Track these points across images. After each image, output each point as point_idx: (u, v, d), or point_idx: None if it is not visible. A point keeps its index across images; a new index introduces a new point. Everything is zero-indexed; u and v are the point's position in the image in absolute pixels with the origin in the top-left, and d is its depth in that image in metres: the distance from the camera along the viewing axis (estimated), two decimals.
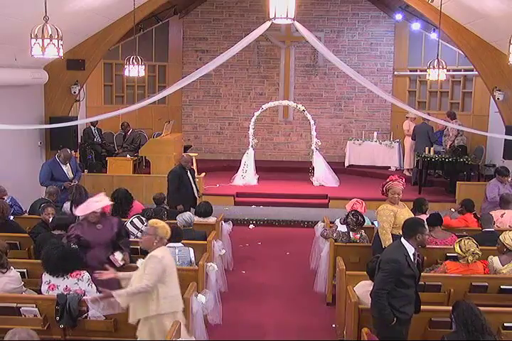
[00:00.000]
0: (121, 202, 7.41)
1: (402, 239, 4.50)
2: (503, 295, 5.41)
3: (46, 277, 4.92)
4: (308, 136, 13.58)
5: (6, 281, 4.89)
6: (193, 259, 5.92)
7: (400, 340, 4.44)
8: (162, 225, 4.63)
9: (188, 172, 8.45)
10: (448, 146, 11.87)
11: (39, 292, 5.05)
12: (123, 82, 14.01)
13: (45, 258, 4.89)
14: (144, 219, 6.65)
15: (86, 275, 4.95)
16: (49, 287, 4.89)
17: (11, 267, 5.00)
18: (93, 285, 4.99)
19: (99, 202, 5.37)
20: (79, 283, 4.87)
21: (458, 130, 11.74)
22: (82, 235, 5.35)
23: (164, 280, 4.45)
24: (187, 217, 6.69)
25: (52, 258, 4.84)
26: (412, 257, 4.43)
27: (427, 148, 11.51)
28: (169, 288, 4.49)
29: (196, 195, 8.49)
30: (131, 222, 6.67)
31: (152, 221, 4.75)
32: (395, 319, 4.34)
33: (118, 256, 5.42)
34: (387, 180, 6.17)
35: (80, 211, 5.45)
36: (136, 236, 6.43)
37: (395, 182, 6.10)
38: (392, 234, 5.83)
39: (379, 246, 5.84)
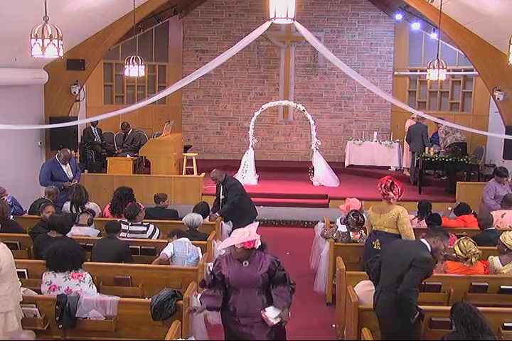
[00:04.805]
0: (116, 201, 7.45)
1: (423, 240, 4.55)
2: (503, 295, 5.41)
3: (47, 277, 4.91)
4: (308, 136, 13.58)
5: None
6: (201, 256, 6.01)
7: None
8: None
9: (221, 187, 8.14)
10: (441, 146, 11.91)
11: (39, 292, 5.05)
12: (123, 82, 14.00)
13: (52, 252, 4.87)
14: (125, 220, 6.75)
15: (88, 276, 4.95)
16: (50, 287, 4.88)
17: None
18: (94, 286, 4.99)
19: (244, 234, 4.38)
20: (80, 285, 4.86)
21: (446, 130, 11.80)
22: (225, 273, 4.43)
23: None
24: (191, 219, 6.69)
25: (58, 252, 4.82)
26: None
27: (427, 148, 11.53)
28: (1, 288, 4.36)
29: (219, 208, 8.09)
30: None
31: None
32: (418, 314, 4.34)
33: (270, 313, 4.31)
34: (397, 183, 6.04)
35: (222, 244, 4.57)
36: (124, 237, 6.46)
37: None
38: (390, 232, 5.91)
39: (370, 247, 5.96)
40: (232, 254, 4.40)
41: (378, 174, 12.84)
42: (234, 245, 4.33)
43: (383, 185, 6.00)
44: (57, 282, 4.87)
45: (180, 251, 5.91)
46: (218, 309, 4.50)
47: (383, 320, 4.56)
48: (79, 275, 4.88)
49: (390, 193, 5.95)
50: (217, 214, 7.92)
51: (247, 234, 4.33)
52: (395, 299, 4.39)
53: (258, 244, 4.37)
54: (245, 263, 4.38)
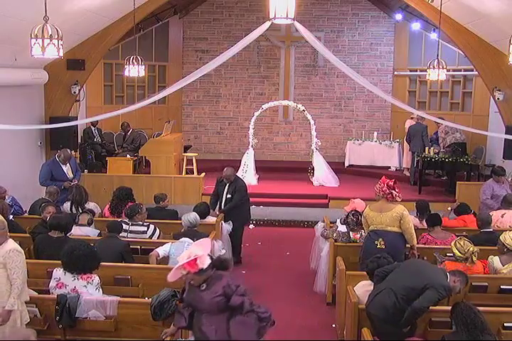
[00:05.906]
0: (115, 201, 7.45)
1: (448, 273, 4.68)
2: (503, 295, 5.41)
3: (57, 274, 4.93)
4: (308, 136, 13.58)
5: None
6: None
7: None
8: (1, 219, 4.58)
9: (226, 185, 8.05)
10: (441, 146, 11.93)
11: (39, 292, 5.05)
12: (123, 82, 14.01)
13: (69, 252, 4.87)
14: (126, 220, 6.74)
15: (96, 279, 4.95)
16: (57, 284, 4.90)
17: None
18: (100, 289, 4.99)
19: (184, 258, 3.94)
20: (87, 286, 4.87)
21: (446, 129, 11.83)
22: (184, 294, 4.16)
23: None
24: (192, 218, 6.68)
25: (76, 254, 4.83)
26: None
27: (426, 148, 11.53)
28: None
29: (222, 206, 8.05)
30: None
31: None
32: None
33: None
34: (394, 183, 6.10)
35: (170, 277, 4.08)
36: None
37: None
38: (392, 230, 5.92)
39: (372, 246, 5.91)
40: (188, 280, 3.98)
41: (378, 174, 12.85)
42: (181, 274, 3.91)
43: (387, 184, 6.01)
44: (65, 280, 4.88)
45: (176, 252, 5.90)
46: (188, 328, 4.22)
47: (374, 320, 4.60)
48: (88, 277, 4.89)
49: (394, 192, 5.98)
50: (217, 211, 7.95)
51: (186, 256, 3.90)
52: (393, 307, 4.45)
53: (205, 262, 3.91)
54: (202, 286, 3.98)
